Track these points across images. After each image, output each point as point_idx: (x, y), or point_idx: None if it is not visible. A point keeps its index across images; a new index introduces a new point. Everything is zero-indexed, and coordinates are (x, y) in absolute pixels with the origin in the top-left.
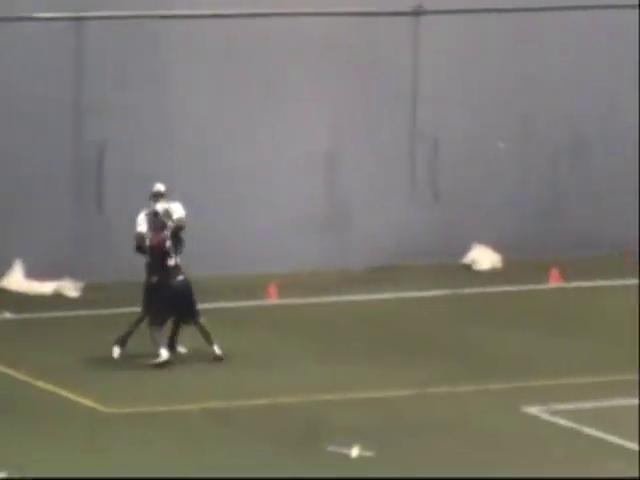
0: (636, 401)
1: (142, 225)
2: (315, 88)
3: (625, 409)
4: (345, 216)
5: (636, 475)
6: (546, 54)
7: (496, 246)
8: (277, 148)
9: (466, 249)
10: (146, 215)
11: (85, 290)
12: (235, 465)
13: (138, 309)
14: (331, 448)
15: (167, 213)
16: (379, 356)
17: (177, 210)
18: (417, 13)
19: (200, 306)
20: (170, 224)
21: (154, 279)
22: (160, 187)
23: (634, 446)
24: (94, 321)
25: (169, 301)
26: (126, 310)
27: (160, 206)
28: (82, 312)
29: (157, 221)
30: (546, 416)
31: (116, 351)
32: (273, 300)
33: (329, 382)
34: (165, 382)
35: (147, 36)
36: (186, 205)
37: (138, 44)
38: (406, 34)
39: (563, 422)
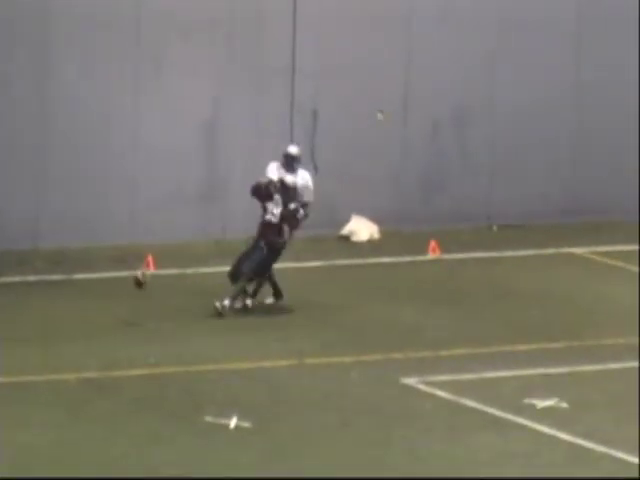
0: (514, 372)
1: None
2: (195, 59)
3: (502, 380)
4: (224, 187)
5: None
6: (424, 24)
7: (374, 217)
8: (157, 118)
9: (344, 220)
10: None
11: None
12: (114, 436)
13: (12, 278)
14: (209, 418)
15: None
16: (256, 327)
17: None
18: None
19: (77, 277)
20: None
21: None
22: (292, 149)
23: (510, 417)
24: None
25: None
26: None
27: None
28: None
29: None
30: (424, 387)
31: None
32: (151, 270)
33: (207, 353)
34: (43, 352)
35: (26, 5)
36: (69, 176)
37: (17, 13)
38: (285, 5)
39: (441, 394)
